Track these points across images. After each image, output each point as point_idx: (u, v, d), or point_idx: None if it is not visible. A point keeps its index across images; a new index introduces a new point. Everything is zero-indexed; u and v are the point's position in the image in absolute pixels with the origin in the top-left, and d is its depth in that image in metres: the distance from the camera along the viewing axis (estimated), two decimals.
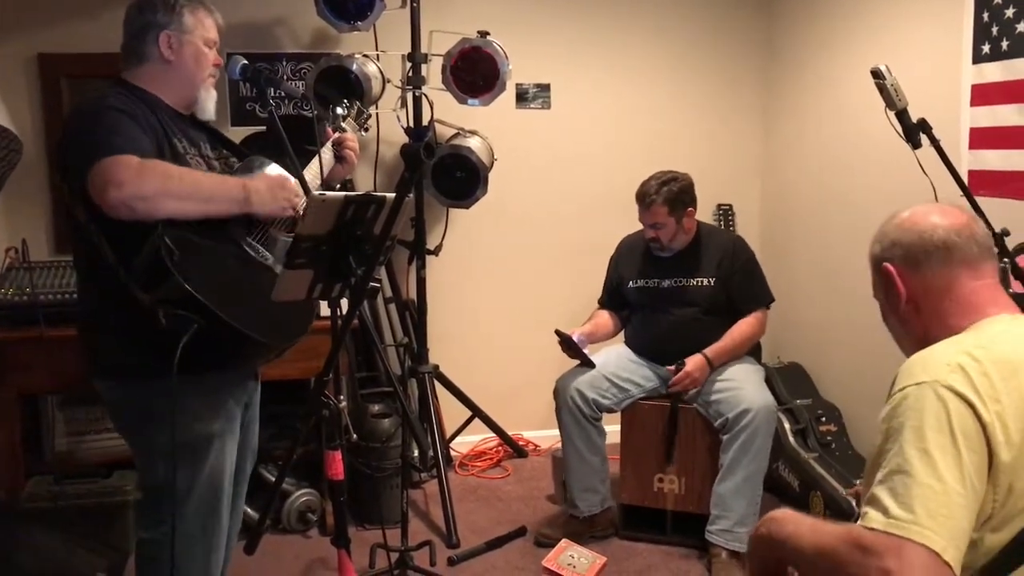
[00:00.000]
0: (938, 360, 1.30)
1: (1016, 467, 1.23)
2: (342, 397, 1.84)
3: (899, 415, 1.28)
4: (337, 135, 2.38)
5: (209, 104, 2.20)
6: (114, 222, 1.87)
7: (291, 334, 2.12)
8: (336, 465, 1.84)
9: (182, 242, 1.87)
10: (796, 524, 1.36)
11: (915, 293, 1.48)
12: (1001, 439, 1.22)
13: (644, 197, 3.32)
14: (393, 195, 1.69)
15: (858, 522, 1.24)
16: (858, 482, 1.93)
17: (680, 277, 3.38)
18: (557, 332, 3.37)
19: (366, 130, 2.54)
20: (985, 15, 3.00)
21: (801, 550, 1.32)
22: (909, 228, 1.50)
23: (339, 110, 2.43)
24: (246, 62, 2.23)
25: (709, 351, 3.24)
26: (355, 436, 1.95)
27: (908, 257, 1.48)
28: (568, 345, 3.37)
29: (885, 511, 1.20)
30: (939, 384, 1.26)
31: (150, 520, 2.11)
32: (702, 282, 3.35)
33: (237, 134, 3.78)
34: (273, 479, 3.35)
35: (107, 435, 3.51)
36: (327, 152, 2.31)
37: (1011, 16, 2.88)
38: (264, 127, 3.88)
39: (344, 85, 3.57)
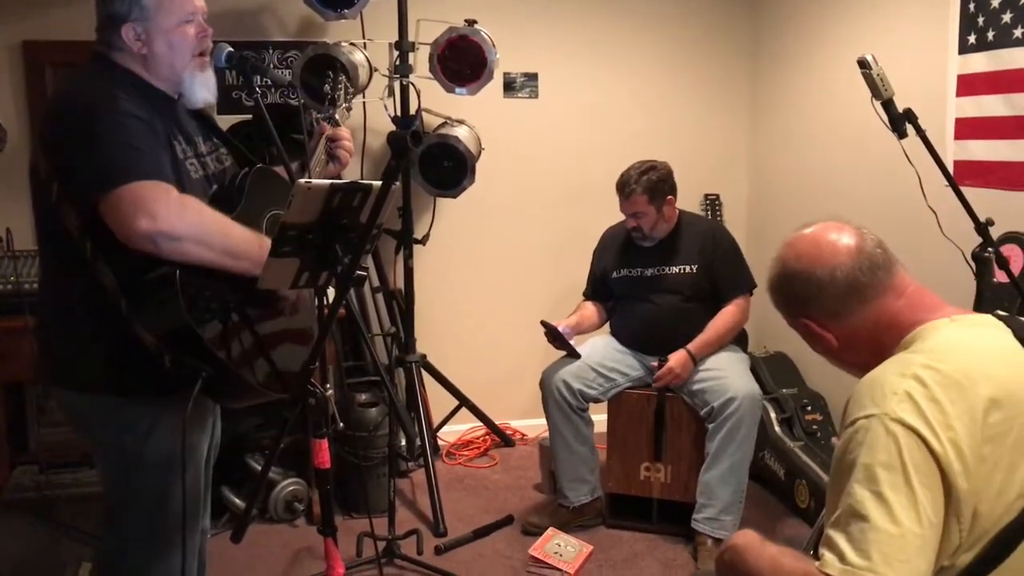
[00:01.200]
0: (885, 388, 1.27)
1: (978, 491, 1.21)
2: (328, 385, 1.82)
3: (851, 452, 1.26)
4: (330, 131, 2.26)
5: (201, 91, 2.02)
6: (119, 247, 1.75)
7: (290, 384, 2.00)
8: (323, 453, 1.83)
9: (196, 285, 1.80)
10: (757, 556, 1.34)
11: (844, 336, 1.45)
12: (957, 468, 1.20)
13: (624, 187, 3.33)
14: (379, 183, 1.68)
15: (815, 565, 1.23)
16: None
17: (662, 265, 3.39)
18: (543, 323, 3.37)
19: (349, 109, 2.48)
20: (971, 5, 3.01)
21: None
22: (807, 280, 1.44)
23: (329, 92, 2.36)
24: (231, 50, 2.15)
25: (692, 346, 3.25)
26: (341, 424, 1.94)
27: (822, 309, 1.45)
28: (554, 336, 3.37)
29: (841, 556, 1.19)
30: (888, 417, 1.23)
31: (125, 535, 2.02)
32: (684, 269, 3.36)
33: (224, 123, 3.72)
34: (259, 468, 3.34)
35: None
36: (319, 152, 2.23)
37: (997, 6, 2.89)
38: (250, 115, 3.86)
39: (336, 71, 3.54)
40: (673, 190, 3.37)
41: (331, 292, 1.84)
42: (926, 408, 1.23)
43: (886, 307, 1.41)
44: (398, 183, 1.72)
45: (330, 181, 1.68)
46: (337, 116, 2.34)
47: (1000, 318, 1.41)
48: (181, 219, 1.75)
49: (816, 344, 1.50)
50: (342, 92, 2.37)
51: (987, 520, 1.22)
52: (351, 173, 4.03)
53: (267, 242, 1.82)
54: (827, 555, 1.21)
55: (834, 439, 1.38)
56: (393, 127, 3.79)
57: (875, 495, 1.20)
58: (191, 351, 1.80)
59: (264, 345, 1.98)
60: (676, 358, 3.24)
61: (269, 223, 2.05)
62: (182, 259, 1.77)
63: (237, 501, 3.37)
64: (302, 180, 1.64)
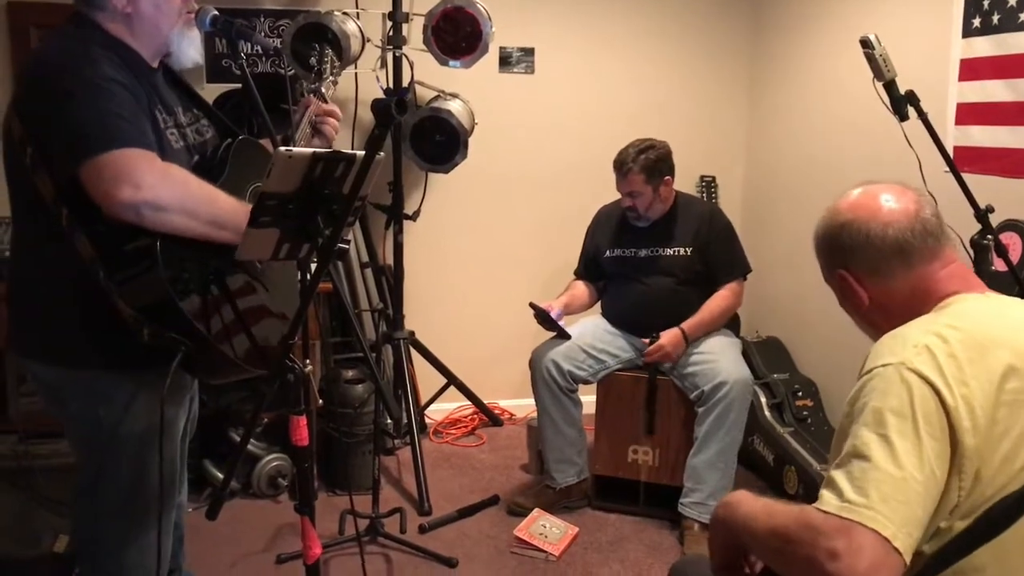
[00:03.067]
0: (906, 341, 1.28)
1: (983, 452, 1.21)
2: (308, 361, 1.77)
3: (863, 396, 1.26)
4: (316, 105, 2.19)
5: (189, 50, 1.97)
6: (98, 216, 1.70)
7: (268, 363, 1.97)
8: (301, 431, 1.79)
9: (177, 256, 1.75)
10: (750, 506, 1.34)
11: (878, 297, 1.44)
12: (967, 424, 1.20)
13: (621, 165, 3.27)
14: (363, 153, 1.62)
15: (813, 504, 1.22)
16: None
17: (656, 246, 3.34)
18: (532, 305, 3.33)
19: (335, 83, 2.42)
20: None
21: (755, 531, 1.30)
22: (858, 231, 1.42)
23: (315, 65, 2.29)
24: (216, 13, 2.07)
25: (685, 325, 3.21)
26: (320, 401, 1.89)
27: (865, 264, 1.43)
28: (543, 319, 3.34)
29: (840, 494, 1.19)
30: (904, 367, 1.23)
31: (100, 510, 1.99)
32: (678, 251, 3.31)
33: (212, 91, 3.68)
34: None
35: None
36: (304, 125, 2.18)
37: None
38: (239, 85, 3.79)
39: (322, 43, 3.47)
40: (671, 170, 3.31)
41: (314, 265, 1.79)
42: (943, 362, 1.23)
43: (926, 275, 1.40)
44: (383, 153, 1.67)
45: (312, 150, 1.62)
46: (324, 90, 2.27)
47: None
48: (166, 188, 1.70)
49: (847, 300, 1.49)
50: (328, 65, 2.31)
51: (988, 486, 1.21)
52: (341, 145, 3.97)
53: (247, 210, 1.75)
54: (826, 494, 1.21)
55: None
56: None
57: (881, 438, 1.20)
58: (170, 324, 1.75)
59: (245, 319, 1.94)
60: (668, 336, 3.20)
61: (252, 195, 2.00)
62: (166, 229, 1.72)
63: (219, 475, 3.33)
64: (282, 148, 1.58)
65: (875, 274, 1.43)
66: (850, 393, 1.30)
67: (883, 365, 1.26)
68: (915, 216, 1.41)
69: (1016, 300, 1.41)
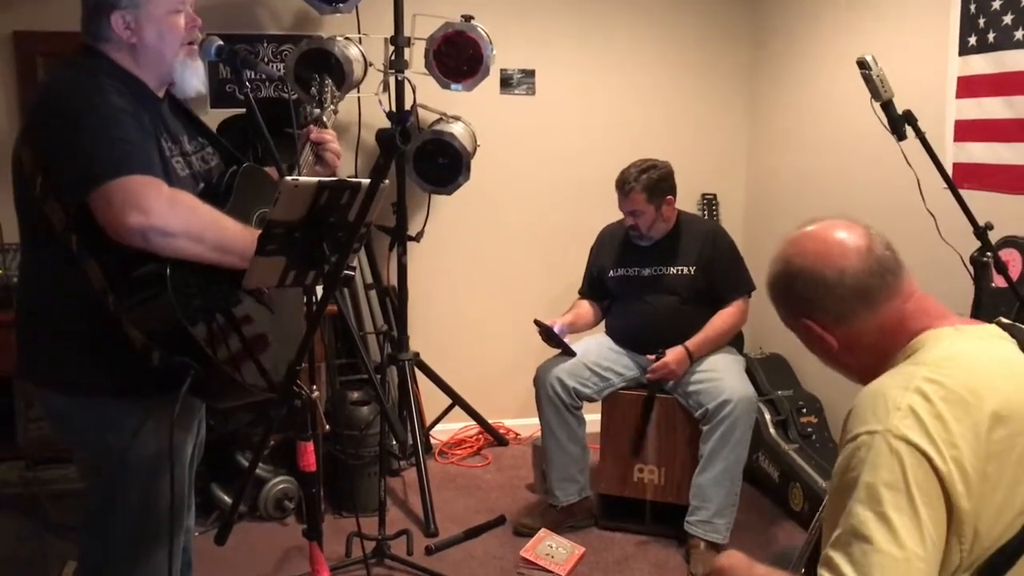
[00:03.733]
0: (889, 402, 1.23)
1: (978, 511, 1.19)
2: (315, 386, 1.79)
3: (853, 468, 1.22)
4: (316, 134, 2.21)
5: (192, 80, 1.98)
6: (107, 243, 1.72)
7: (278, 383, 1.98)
8: (308, 456, 1.80)
9: (187, 282, 1.77)
10: None
11: (846, 340, 1.40)
12: (960, 489, 1.17)
13: (623, 184, 3.30)
14: (368, 181, 1.64)
15: None
16: None
17: (660, 265, 3.36)
18: (536, 322, 3.35)
19: (336, 112, 2.45)
20: (972, 6, 2.98)
21: None
22: (814, 280, 1.38)
23: (316, 111, 2.32)
24: (221, 43, 2.10)
25: (690, 343, 3.22)
26: (328, 426, 1.91)
27: (828, 313, 1.39)
28: (548, 335, 3.35)
29: None
30: (892, 435, 1.19)
31: (109, 536, 1.99)
32: (682, 270, 3.33)
33: (217, 116, 3.73)
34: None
35: None
36: (306, 157, 2.20)
37: (998, 8, 2.87)
38: (243, 110, 3.82)
39: (325, 68, 3.51)
40: (672, 190, 3.34)
41: (320, 290, 1.81)
42: (930, 425, 1.19)
43: (892, 312, 1.37)
44: (387, 181, 1.69)
45: (318, 179, 1.64)
46: (324, 118, 2.30)
47: (1003, 327, 1.38)
48: (174, 214, 1.72)
49: (814, 346, 1.46)
50: (328, 95, 2.34)
51: (986, 539, 1.20)
52: (345, 168, 4.01)
53: (252, 235, 1.78)
54: None
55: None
56: (388, 123, 3.75)
57: (878, 516, 1.17)
58: (180, 348, 1.76)
59: (252, 343, 1.95)
60: (673, 354, 3.21)
61: (257, 222, 2.02)
62: (174, 255, 1.74)
63: (227, 499, 3.34)
64: (289, 178, 1.61)
65: (840, 320, 1.39)
66: (838, 460, 1.27)
67: (869, 432, 1.22)
68: (868, 254, 1.37)
69: (987, 331, 1.38)
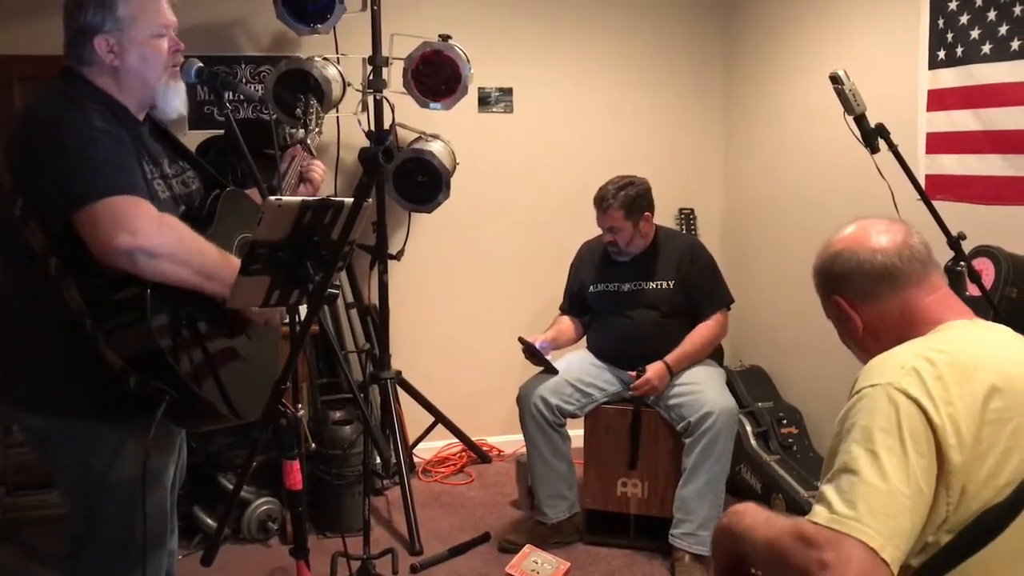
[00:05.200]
0: (894, 363, 1.32)
1: (968, 469, 1.25)
2: (300, 405, 1.80)
3: (852, 416, 1.30)
4: (306, 163, 2.25)
5: (174, 101, 1.99)
6: (89, 265, 1.72)
7: (256, 410, 1.97)
8: (294, 475, 1.81)
9: (166, 307, 1.77)
10: (753, 517, 1.39)
11: (871, 321, 1.50)
12: (952, 441, 1.24)
13: (601, 201, 3.33)
14: (351, 200, 1.66)
15: (806, 516, 1.27)
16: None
17: (639, 280, 3.39)
18: (521, 340, 3.36)
19: (320, 133, 2.49)
20: (940, 21, 3.04)
21: (755, 542, 1.35)
22: (849, 258, 1.51)
23: (301, 132, 2.34)
24: (201, 65, 2.12)
25: (670, 358, 3.25)
26: (313, 445, 1.91)
27: (856, 289, 1.50)
28: (531, 352, 3.36)
29: (829, 507, 1.23)
30: (892, 387, 1.28)
31: (90, 559, 1.97)
32: (661, 284, 3.36)
33: (195, 138, 3.73)
34: (232, 487, 3.30)
35: None
36: (292, 175, 2.22)
37: (965, 23, 2.93)
38: (222, 131, 3.83)
39: (304, 88, 3.53)
40: (650, 206, 3.37)
41: (303, 309, 1.82)
42: (931, 384, 1.27)
43: (915, 299, 1.46)
44: (371, 199, 1.70)
45: (301, 198, 1.66)
46: (309, 141, 2.33)
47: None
48: (161, 236, 1.73)
49: (843, 326, 1.55)
50: (314, 116, 2.36)
51: (974, 501, 1.25)
52: (325, 188, 4.01)
53: (237, 263, 1.80)
54: (816, 507, 1.25)
55: None
56: (367, 142, 3.75)
57: (869, 453, 1.24)
58: (156, 373, 1.76)
59: (230, 370, 1.95)
60: (654, 369, 3.23)
61: (239, 246, 2.02)
62: (158, 277, 1.74)
63: (209, 521, 3.32)
64: (272, 197, 1.62)
65: (866, 298, 1.49)
66: (840, 413, 1.34)
67: (871, 386, 1.30)
68: (903, 243, 1.48)
69: (999, 325, 1.47)
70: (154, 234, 1.71)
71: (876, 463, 1.23)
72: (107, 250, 1.70)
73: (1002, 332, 1.45)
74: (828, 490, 1.26)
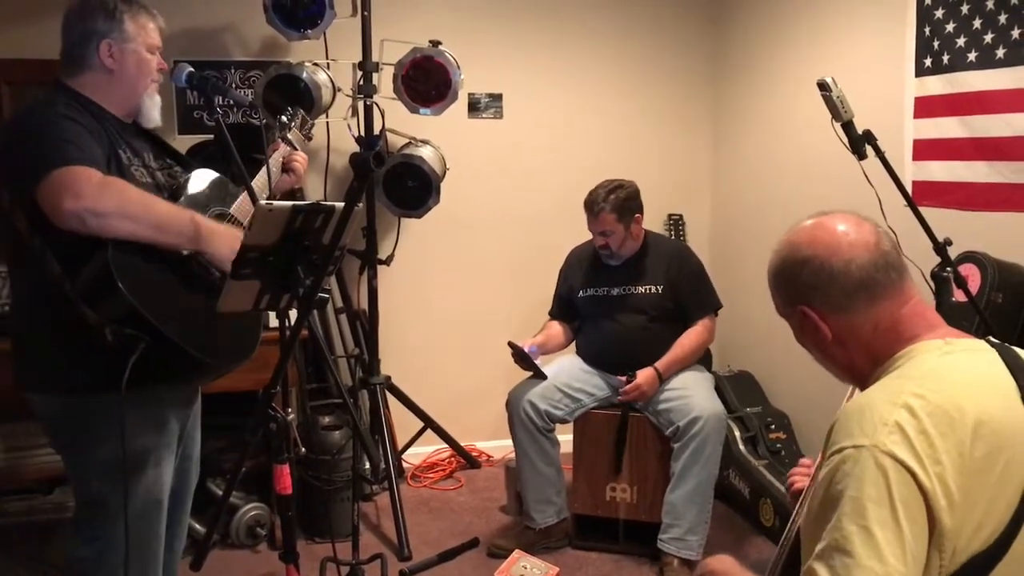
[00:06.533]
0: (876, 417, 1.24)
1: (959, 529, 1.20)
2: (290, 410, 1.80)
3: (838, 481, 1.22)
4: (284, 150, 2.37)
5: (153, 112, 2.16)
6: (60, 234, 1.84)
7: (238, 356, 2.11)
8: (284, 479, 1.81)
9: (130, 260, 1.85)
10: None
11: (840, 332, 1.41)
12: (943, 504, 1.18)
13: (592, 205, 3.34)
14: (342, 204, 1.66)
15: None
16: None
17: (628, 285, 3.40)
18: (510, 344, 3.37)
19: (309, 138, 2.53)
20: (927, 29, 3.06)
21: None
22: (820, 268, 1.39)
23: (283, 118, 2.42)
24: (192, 69, 2.18)
25: (660, 364, 3.26)
26: (303, 449, 1.93)
27: (829, 302, 1.39)
28: (521, 357, 3.37)
29: None
30: (878, 450, 1.20)
31: (84, 537, 2.05)
32: (649, 289, 3.37)
33: (185, 142, 3.71)
34: (221, 493, 3.29)
35: (47, 451, 3.39)
36: (274, 163, 2.29)
37: (951, 31, 2.95)
38: (212, 135, 3.82)
39: (294, 94, 3.54)
40: (640, 209, 3.39)
41: (293, 314, 1.83)
42: (916, 441, 1.20)
43: (890, 311, 1.37)
44: (361, 204, 1.71)
45: (292, 203, 1.67)
46: (290, 136, 2.40)
47: (992, 345, 1.38)
48: (103, 196, 1.84)
49: (806, 336, 1.46)
50: (299, 122, 2.43)
51: (963, 554, 1.21)
52: (314, 193, 4.02)
53: (201, 220, 1.95)
54: None
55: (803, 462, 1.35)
56: (357, 147, 3.76)
57: (862, 530, 1.18)
58: (128, 321, 1.83)
59: (204, 317, 1.99)
60: (644, 375, 3.24)
61: (212, 217, 2.10)
62: (109, 234, 1.85)
63: (198, 527, 3.30)
64: (263, 202, 1.63)
65: (838, 311, 1.39)
66: (822, 471, 1.27)
67: (855, 447, 1.23)
68: (876, 248, 1.38)
69: (976, 346, 1.38)
70: (97, 194, 1.83)
71: (871, 542, 1.16)
72: (58, 215, 1.82)
73: (980, 357, 1.36)
74: (822, 572, 1.19)
